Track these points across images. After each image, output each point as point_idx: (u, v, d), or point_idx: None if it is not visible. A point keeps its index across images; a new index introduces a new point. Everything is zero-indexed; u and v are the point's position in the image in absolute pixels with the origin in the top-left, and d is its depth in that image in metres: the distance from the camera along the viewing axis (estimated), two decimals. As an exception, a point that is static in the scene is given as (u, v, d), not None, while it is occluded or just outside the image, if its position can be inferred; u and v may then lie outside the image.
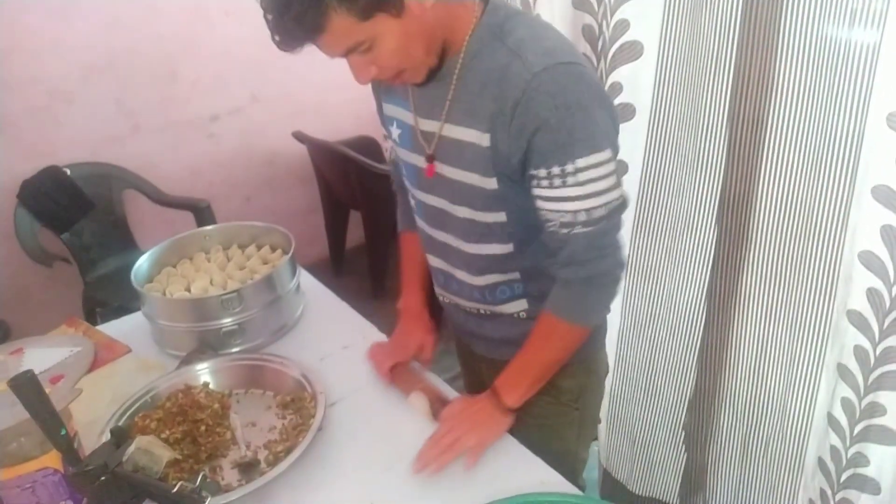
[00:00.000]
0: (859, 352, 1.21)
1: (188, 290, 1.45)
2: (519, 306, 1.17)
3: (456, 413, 1.12)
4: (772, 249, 1.35)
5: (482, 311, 1.20)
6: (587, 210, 0.96)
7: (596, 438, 2.11)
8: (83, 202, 2.66)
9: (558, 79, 0.90)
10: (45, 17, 2.52)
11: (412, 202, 1.21)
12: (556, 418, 1.22)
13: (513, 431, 1.19)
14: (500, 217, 1.05)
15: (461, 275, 1.17)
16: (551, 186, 0.95)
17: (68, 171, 2.64)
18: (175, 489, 0.81)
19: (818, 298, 1.29)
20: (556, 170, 0.94)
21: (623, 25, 1.35)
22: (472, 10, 0.98)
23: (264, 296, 1.40)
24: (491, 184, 1.01)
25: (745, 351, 1.47)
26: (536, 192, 0.98)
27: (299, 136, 3.13)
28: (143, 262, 1.49)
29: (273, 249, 1.60)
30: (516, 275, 1.13)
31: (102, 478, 0.82)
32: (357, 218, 3.31)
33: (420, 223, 1.21)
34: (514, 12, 1.00)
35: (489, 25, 0.97)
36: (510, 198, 1.02)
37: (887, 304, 1.14)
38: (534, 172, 0.96)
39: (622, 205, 1.00)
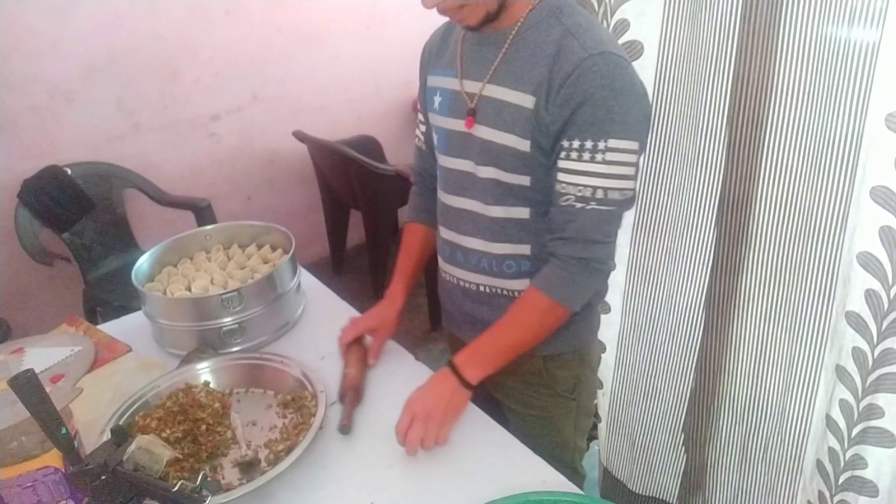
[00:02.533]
0: (857, 354, 1.21)
1: (189, 289, 1.45)
2: (521, 285, 1.18)
3: (417, 401, 1.10)
4: (771, 250, 1.35)
5: (482, 288, 1.22)
6: (605, 189, 1.01)
7: (596, 438, 2.12)
8: (84, 201, 2.66)
9: (609, 64, 0.98)
10: (45, 16, 2.52)
11: (438, 174, 1.24)
12: (554, 409, 1.26)
13: (512, 424, 1.20)
14: (525, 180, 1.09)
15: (472, 242, 1.19)
16: (580, 159, 1.01)
17: (69, 171, 2.65)
18: (175, 488, 0.82)
19: (817, 300, 1.29)
20: (588, 144, 1.00)
21: (623, 25, 1.35)
22: None
23: (265, 295, 1.40)
24: (525, 146, 1.05)
25: (745, 352, 1.47)
26: (562, 163, 1.03)
27: (300, 136, 3.13)
28: (143, 262, 1.49)
29: (273, 249, 1.60)
30: (527, 249, 1.15)
31: (103, 477, 0.82)
32: (357, 217, 3.31)
33: (440, 194, 1.24)
34: (572, 3, 1.07)
35: (549, 5, 1.05)
36: (538, 163, 1.07)
37: (886, 305, 1.14)
38: (566, 143, 1.01)
39: (632, 199, 1.06)
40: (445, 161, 1.19)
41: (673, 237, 1.46)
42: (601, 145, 0.99)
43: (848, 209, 1.18)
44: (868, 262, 1.15)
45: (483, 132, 1.09)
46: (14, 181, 2.56)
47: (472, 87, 1.11)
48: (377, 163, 2.89)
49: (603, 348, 1.68)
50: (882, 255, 1.12)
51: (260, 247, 1.61)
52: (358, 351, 1.32)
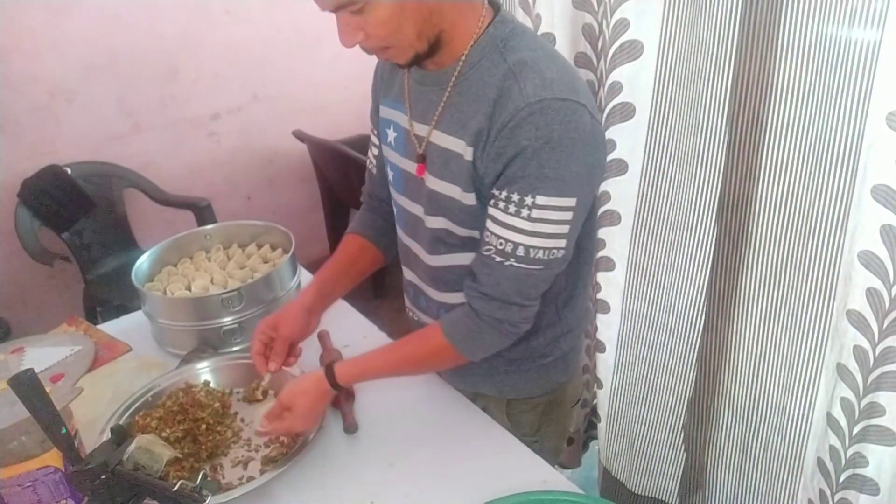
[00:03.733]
0: (859, 352, 1.21)
1: (189, 288, 1.45)
2: None
3: (294, 399, 1.06)
4: (771, 249, 1.35)
5: None
6: (527, 247, 0.93)
7: (595, 438, 2.12)
8: (84, 201, 2.66)
9: (549, 113, 0.88)
10: (45, 15, 2.52)
11: (395, 209, 1.18)
12: (511, 449, 1.16)
13: None
14: (475, 234, 1.03)
15: (429, 290, 1.15)
16: (505, 211, 0.93)
17: (69, 170, 2.65)
18: (175, 488, 0.82)
19: (818, 298, 1.29)
20: (515, 197, 0.91)
21: (623, 24, 1.35)
22: (479, 15, 0.95)
23: (265, 295, 1.40)
24: (470, 199, 0.99)
25: (745, 351, 1.47)
26: (490, 210, 0.96)
27: (300, 135, 3.13)
28: (143, 261, 1.49)
29: (273, 248, 1.60)
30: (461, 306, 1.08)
31: (103, 476, 0.82)
32: (357, 217, 3.31)
33: (399, 232, 1.19)
34: (521, 29, 0.98)
35: (494, 37, 0.95)
36: (484, 217, 0.99)
37: (887, 304, 1.14)
38: (495, 192, 0.94)
39: (562, 259, 0.98)
40: (401, 200, 1.13)
41: (673, 237, 1.46)
42: (528, 200, 0.91)
43: (849, 208, 1.18)
44: (869, 261, 1.15)
45: (431, 182, 1.02)
46: (14, 181, 2.56)
47: (420, 129, 1.03)
48: (377, 162, 2.89)
49: (602, 348, 1.68)
50: (883, 254, 1.12)
51: (260, 246, 1.61)
52: (332, 355, 1.31)
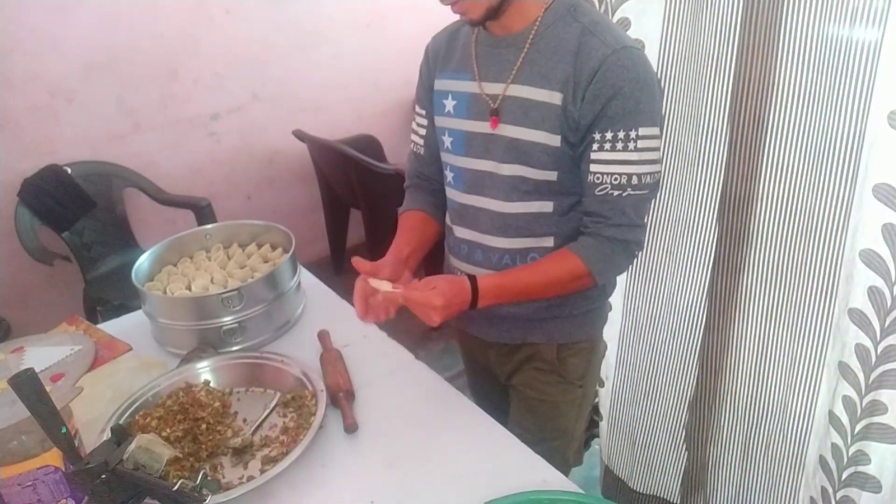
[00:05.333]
0: (860, 350, 1.21)
1: (189, 288, 1.45)
2: None
3: (441, 290, 1.07)
4: (773, 249, 1.34)
5: None
6: (639, 175, 1.06)
7: (597, 437, 2.12)
8: (84, 201, 2.66)
9: (632, 58, 1.03)
10: (45, 15, 2.52)
11: (449, 175, 1.25)
12: (561, 397, 1.30)
13: (514, 404, 1.30)
14: (552, 175, 1.12)
15: (493, 240, 1.20)
16: (613, 149, 1.06)
17: (69, 170, 2.65)
18: (176, 487, 0.82)
19: (819, 297, 1.29)
20: (621, 134, 1.04)
21: (624, 24, 1.35)
22: None
23: (265, 294, 1.40)
24: (555, 140, 1.08)
25: (747, 350, 1.47)
26: (595, 154, 1.07)
27: (300, 135, 3.13)
28: (143, 261, 1.49)
29: (273, 248, 1.60)
30: (550, 241, 1.18)
31: (103, 476, 0.82)
32: (357, 216, 3.31)
33: (455, 195, 1.24)
34: (583, 2, 1.11)
35: (563, 4, 1.09)
36: (566, 157, 1.10)
37: (888, 302, 1.14)
38: (598, 136, 1.06)
39: (658, 183, 1.11)
40: (463, 162, 1.20)
41: (674, 236, 1.46)
42: (632, 134, 1.04)
43: (850, 207, 1.18)
44: (871, 260, 1.15)
45: (509, 131, 1.12)
46: (14, 180, 2.56)
47: (492, 88, 1.13)
48: (377, 162, 2.89)
49: (604, 347, 1.68)
50: (885, 252, 1.12)
51: (260, 246, 1.61)
52: (332, 355, 1.32)
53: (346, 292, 1.62)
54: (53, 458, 0.93)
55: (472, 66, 1.16)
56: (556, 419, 1.32)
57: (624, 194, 1.07)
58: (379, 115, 3.56)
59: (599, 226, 1.11)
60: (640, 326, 1.61)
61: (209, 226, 1.67)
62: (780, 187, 1.29)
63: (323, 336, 1.39)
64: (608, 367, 1.71)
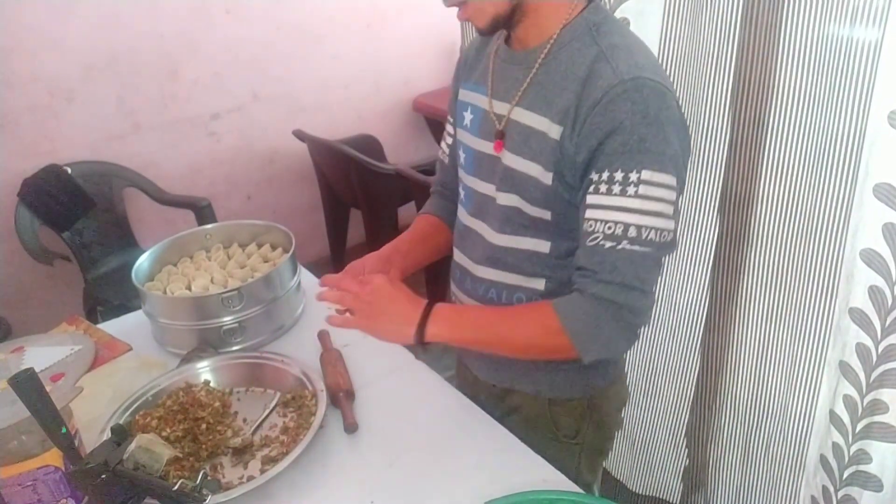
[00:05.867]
0: (861, 349, 1.21)
1: (189, 288, 1.45)
2: None
3: (378, 290, 1.00)
4: (773, 248, 1.34)
5: None
6: (638, 226, 0.89)
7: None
8: (84, 200, 2.66)
9: (644, 91, 0.88)
10: (45, 15, 2.52)
11: (462, 193, 1.16)
12: (555, 452, 1.13)
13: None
14: (546, 214, 1.00)
15: (481, 270, 1.10)
16: (609, 193, 0.89)
17: (69, 170, 2.65)
18: (176, 487, 0.82)
19: (820, 297, 1.29)
20: (619, 175, 0.89)
21: (623, 24, 1.35)
22: (573, 1, 0.96)
23: (265, 294, 1.40)
24: (547, 178, 0.96)
25: (747, 349, 1.47)
26: (591, 198, 0.92)
27: (300, 135, 3.13)
28: (143, 261, 1.49)
29: (273, 248, 1.60)
30: (541, 284, 1.05)
31: (103, 476, 0.82)
32: (357, 216, 3.31)
33: (462, 215, 1.16)
34: (614, 19, 0.98)
35: (587, 20, 0.95)
36: (560, 198, 0.98)
37: (889, 301, 1.14)
38: (594, 176, 0.91)
39: (671, 244, 0.93)
40: (471, 181, 1.11)
41: (674, 235, 1.46)
42: (633, 177, 0.88)
43: (850, 206, 1.18)
44: (871, 259, 1.14)
45: (508, 158, 1.00)
46: (14, 180, 2.56)
47: (500, 108, 1.02)
48: (377, 162, 2.89)
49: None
50: (885, 252, 1.12)
51: (260, 246, 1.61)
52: (332, 355, 1.32)
53: (346, 292, 1.63)
54: (53, 457, 0.93)
55: (488, 79, 1.06)
56: (556, 471, 1.15)
57: (618, 247, 0.89)
58: (379, 115, 3.55)
59: (585, 281, 0.92)
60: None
61: (209, 226, 1.67)
62: (780, 187, 1.29)
63: (323, 336, 1.39)
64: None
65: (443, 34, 3.46)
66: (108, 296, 2.57)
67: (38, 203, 2.57)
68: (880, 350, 1.18)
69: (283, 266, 1.44)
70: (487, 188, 1.06)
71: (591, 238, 0.92)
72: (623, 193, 0.89)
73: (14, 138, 2.57)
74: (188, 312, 1.37)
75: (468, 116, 1.10)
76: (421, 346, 1.00)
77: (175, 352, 1.38)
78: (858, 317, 1.20)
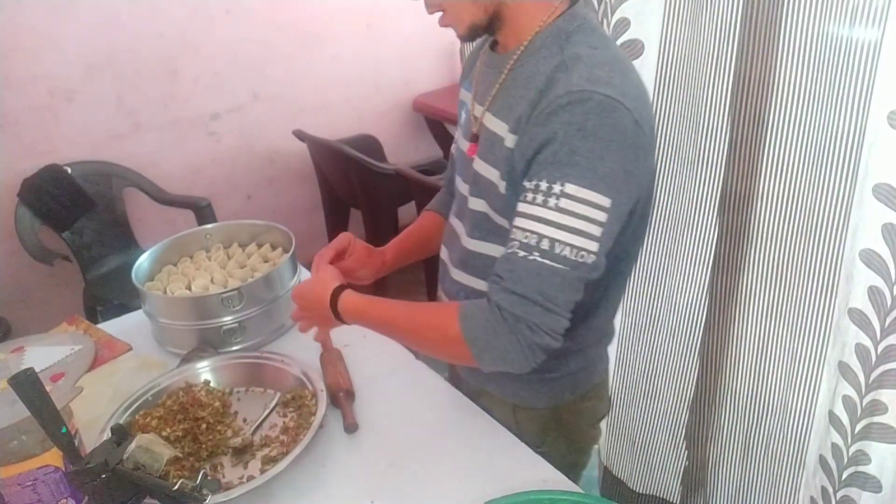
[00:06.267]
0: (861, 350, 1.21)
1: (189, 288, 1.45)
2: None
3: (304, 297, 1.12)
4: (772, 248, 1.34)
5: None
6: (553, 240, 0.85)
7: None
8: (84, 200, 2.66)
9: (588, 104, 0.84)
10: (45, 14, 2.52)
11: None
12: (523, 454, 1.12)
13: None
14: (506, 223, 0.97)
15: (454, 272, 1.12)
16: (532, 202, 0.87)
17: (69, 170, 2.64)
18: (176, 487, 0.82)
19: (819, 297, 1.29)
20: (543, 185, 0.86)
21: (623, 24, 1.35)
22: (551, 7, 0.94)
23: (265, 294, 1.40)
24: (503, 187, 0.95)
25: (746, 349, 1.47)
26: (518, 206, 0.89)
27: (300, 135, 3.13)
28: (143, 261, 1.49)
29: (274, 248, 1.60)
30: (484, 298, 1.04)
31: (103, 476, 0.82)
32: (357, 216, 3.31)
33: (451, 213, 1.17)
34: (590, 27, 0.94)
35: (559, 28, 0.93)
36: (512, 208, 0.94)
37: (888, 302, 1.14)
38: (525, 184, 0.89)
39: (592, 267, 0.87)
40: (457, 181, 1.12)
41: (674, 236, 1.46)
42: (556, 189, 0.84)
43: (850, 207, 1.18)
44: (871, 260, 1.15)
45: (477, 163, 1.00)
46: (14, 180, 2.56)
47: (478, 110, 1.02)
48: (377, 162, 2.89)
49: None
50: (885, 252, 1.12)
51: (260, 246, 1.61)
52: (332, 355, 1.32)
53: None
54: (53, 457, 0.93)
55: (474, 80, 1.07)
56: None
57: (529, 257, 0.86)
58: (379, 115, 3.55)
59: (494, 287, 0.90)
60: (640, 325, 1.61)
61: (209, 226, 1.67)
62: (780, 186, 1.29)
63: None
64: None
65: (443, 34, 3.41)
66: (108, 296, 2.57)
67: (38, 203, 2.57)
68: (879, 351, 1.18)
69: (283, 266, 1.44)
70: (465, 189, 1.07)
71: (509, 245, 0.89)
72: (544, 204, 0.86)
73: (14, 138, 2.57)
74: (188, 312, 1.37)
75: (462, 115, 1.11)
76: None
77: (175, 352, 1.38)
78: (858, 317, 1.20)
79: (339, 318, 1.05)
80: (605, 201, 0.85)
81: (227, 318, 1.36)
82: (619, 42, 1.36)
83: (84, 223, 2.68)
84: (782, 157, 1.27)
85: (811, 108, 1.19)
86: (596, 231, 0.86)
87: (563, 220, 0.85)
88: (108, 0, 2.63)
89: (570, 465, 1.19)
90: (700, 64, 1.28)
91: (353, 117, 3.46)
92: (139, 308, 1.51)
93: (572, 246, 0.85)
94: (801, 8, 1.14)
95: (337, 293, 1.05)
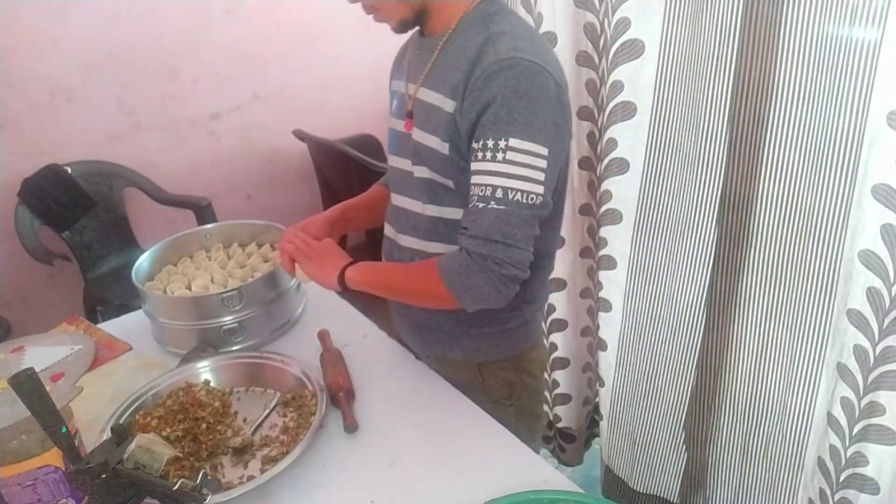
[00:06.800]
0: (859, 351, 1.21)
1: (189, 288, 1.45)
2: None
3: (315, 249, 1.23)
4: (772, 249, 1.34)
5: None
6: (505, 188, 0.99)
7: (597, 436, 2.12)
8: (84, 200, 2.66)
9: (517, 69, 0.98)
10: (46, 14, 2.52)
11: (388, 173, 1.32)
12: (493, 413, 1.22)
13: None
14: (450, 183, 1.11)
15: (407, 241, 1.22)
16: (483, 159, 1.01)
17: (69, 170, 2.65)
18: (176, 487, 0.82)
19: (818, 298, 1.29)
20: (490, 143, 1.00)
21: (624, 24, 1.35)
22: None
23: (265, 294, 1.40)
24: (445, 148, 1.07)
25: (745, 350, 1.47)
26: (473, 165, 1.03)
27: (300, 135, 3.13)
28: (143, 261, 1.49)
29: (273, 247, 1.60)
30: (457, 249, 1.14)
31: (103, 475, 0.82)
32: (357, 216, 3.31)
33: (391, 195, 1.28)
34: (508, 10, 1.10)
35: (482, 11, 1.08)
36: (458, 167, 1.08)
37: (887, 303, 1.14)
38: (474, 145, 1.03)
39: (542, 206, 1.02)
40: (391, 160, 1.24)
41: (673, 236, 1.46)
42: (501, 144, 0.99)
43: (849, 207, 1.18)
44: (870, 260, 1.15)
45: (416, 133, 1.12)
46: (14, 180, 2.56)
47: (412, 89, 1.15)
48: (377, 161, 2.88)
49: (604, 346, 1.68)
50: (884, 253, 1.12)
51: (260, 245, 1.61)
52: (332, 355, 1.32)
53: (346, 292, 1.63)
54: (53, 457, 0.93)
55: (405, 66, 1.20)
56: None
57: (487, 207, 1.00)
58: (379, 115, 3.55)
59: (462, 238, 1.04)
60: (640, 326, 1.61)
61: (209, 225, 1.67)
62: (779, 187, 1.29)
63: (323, 336, 1.39)
64: (607, 367, 1.71)
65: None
66: (108, 295, 2.57)
67: (39, 203, 2.57)
68: (878, 352, 1.18)
69: (283, 266, 1.44)
70: (404, 163, 1.18)
71: (469, 201, 1.04)
72: (493, 159, 1.00)
73: (14, 138, 2.57)
74: (188, 312, 1.37)
75: (394, 103, 1.23)
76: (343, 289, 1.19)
77: (175, 352, 1.38)
78: (856, 318, 1.20)
79: (342, 276, 1.17)
80: (543, 150, 1.00)
81: (227, 318, 1.36)
82: (619, 41, 1.37)
83: (84, 223, 2.69)
84: (782, 157, 1.27)
85: (811, 108, 1.19)
86: (539, 176, 1.01)
87: (511, 170, 0.99)
88: (108, 0, 2.63)
89: (535, 418, 1.37)
90: (700, 64, 1.28)
91: (353, 117, 3.46)
92: (139, 308, 1.51)
93: (521, 191, 1.00)
94: (801, 8, 1.14)
95: (349, 265, 1.18)
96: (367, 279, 1.16)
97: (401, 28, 1.12)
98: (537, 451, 1.29)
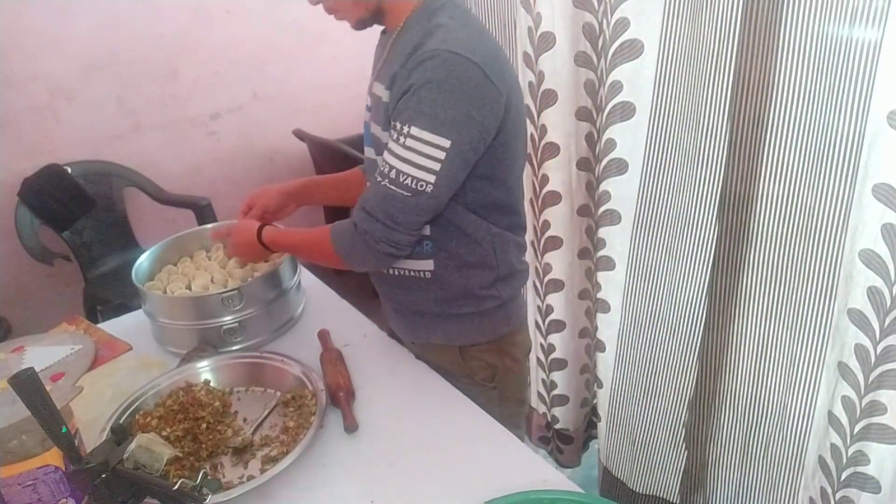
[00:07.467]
0: (860, 350, 1.21)
1: (189, 288, 1.45)
2: (425, 265, 1.22)
3: (236, 233, 1.37)
4: (772, 248, 1.34)
5: (391, 272, 1.26)
6: (398, 171, 1.05)
7: (595, 437, 2.11)
8: (84, 200, 2.66)
9: (437, 61, 1.02)
10: (46, 14, 2.52)
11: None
12: (476, 397, 1.26)
13: None
14: None
15: None
16: (391, 139, 1.07)
17: (69, 169, 2.65)
18: (176, 487, 0.82)
19: (819, 297, 1.29)
20: (398, 125, 1.05)
21: (623, 24, 1.35)
22: None
23: (265, 294, 1.40)
24: (386, 137, 1.11)
25: (746, 349, 1.47)
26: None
27: (300, 134, 3.13)
28: (143, 260, 1.49)
29: (274, 247, 1.60)
30: (427, 230, 1.19)
31: (103, 475, 0.82)
32: (357, 216, 3.31)
33: (367, 180, 1.32)
34: (453, 4, 1.13)
35: (427, 7, 1.13)
36: None
37: (888, 302, 1.14)
38: (391, 124, 1.09)
39: (430, 195, 1.07)
40: (365, 151, 1.32)
41: (673, 235, 1.46)
42: (405, 130, 1.04)
43: (850, 207, 1.18)
44: (870, 260, 1.15)
45: (373, 127, 1.20)
46: (14, 180, 2.56)
47: (372, 84, 1.22)
48: (377, 161, 2.89)
49: (602, 347, 1.68)
50: (885, 253, 1.12)
51: (260, 245, 1.61)
52: (332, 355, 1.32)
53: (346, 292, 1.63)
54: (53, 457, 0.93)
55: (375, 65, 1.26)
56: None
57: (381, 183, 1.07)
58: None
59: (355, 207, 1.14)
60: (640, 325, 1.61)
61: (209, 225, 1.67)
62: (779, 186, 1.29)
63: (323, 335, 1.39)
64: (606, 367, 1.71)
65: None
66: (108, 295, 2.57)
67: (39, 203, 2.57)
68: (879, 351, 1.18)
69: (284, 266, 1.45)
70: (373, 153, 1.24)
71: (375, 171, 1.11)
72: (397, 141, 1.05)
73: (14, 138, 2.57)
74: (188, 312, 1.37)
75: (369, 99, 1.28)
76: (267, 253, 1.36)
77: (175, 351, 1.38)
78: (857, 318, 1.20)
79: (265, 246, 1.30)
80: (445, 142, 1.03)
81: (227, 318, 1.36)
82: (618, 41, 1.37)
83: (84, 223, 2.69)
84: (782, 156, 1.27)
85: (811, 108, 1.19)
86: (434, 166, 1.04)
87: (408, 155, 1.04)
88: (108, 0, 2.63)
89: (519, 403, 1.39)
90: (700, 63, 1.28)
91: (353, 116, 3.46)
92: (139, 308, 1.51)
93: (412, 177, 1.05)
94: (801, 8, 1.14)
95: (260, 230, 1.31)
96: (279, 236, 1.30)
97: (360, 26, 1.18)
98: (521, 438, 1.31)
